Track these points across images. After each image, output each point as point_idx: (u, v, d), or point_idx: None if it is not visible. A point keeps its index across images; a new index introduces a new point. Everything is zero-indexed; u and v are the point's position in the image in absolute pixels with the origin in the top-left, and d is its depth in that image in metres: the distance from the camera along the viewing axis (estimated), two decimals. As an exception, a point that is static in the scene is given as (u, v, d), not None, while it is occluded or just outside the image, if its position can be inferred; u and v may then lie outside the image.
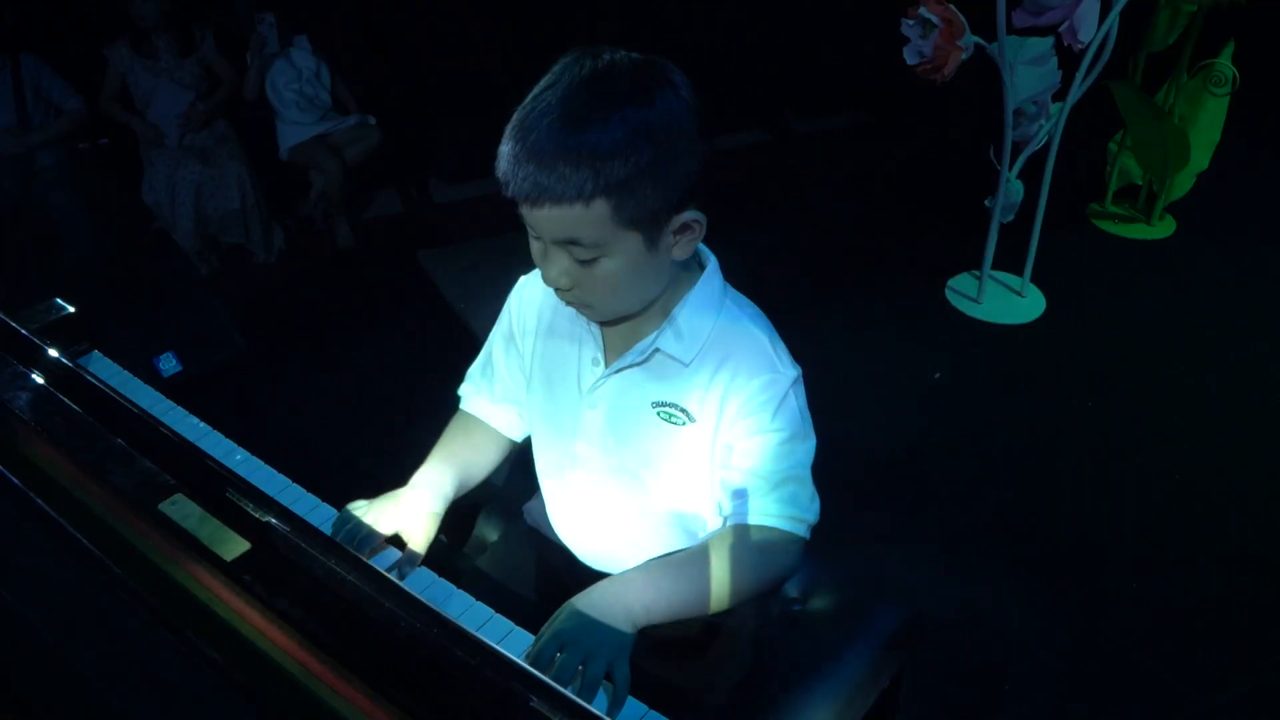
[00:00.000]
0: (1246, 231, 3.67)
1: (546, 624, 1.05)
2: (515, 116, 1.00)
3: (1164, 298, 3.29)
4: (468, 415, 1.37)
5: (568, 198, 0.97)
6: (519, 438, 1.38)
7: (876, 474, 2.45)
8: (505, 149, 1.00)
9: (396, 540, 1.22)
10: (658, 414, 1.16)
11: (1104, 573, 2.23)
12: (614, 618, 1.04)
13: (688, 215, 1.05)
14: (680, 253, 1.09)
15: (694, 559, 1.12)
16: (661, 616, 1.09)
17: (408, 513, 1.23)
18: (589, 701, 0.96)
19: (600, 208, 0.98)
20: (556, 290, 1.08)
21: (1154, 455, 2.58)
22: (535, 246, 1.07)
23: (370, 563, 0.94)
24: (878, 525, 2.29)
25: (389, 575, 0.92)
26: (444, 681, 0.85)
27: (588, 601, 1.06)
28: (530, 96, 1.00)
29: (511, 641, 1.06)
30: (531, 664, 0.98)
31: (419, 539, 1.22)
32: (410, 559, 1.20)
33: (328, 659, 0.84)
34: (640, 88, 0.99)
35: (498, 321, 1.32)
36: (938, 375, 2.88)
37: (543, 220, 1.00)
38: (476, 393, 1.36)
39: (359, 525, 1.19)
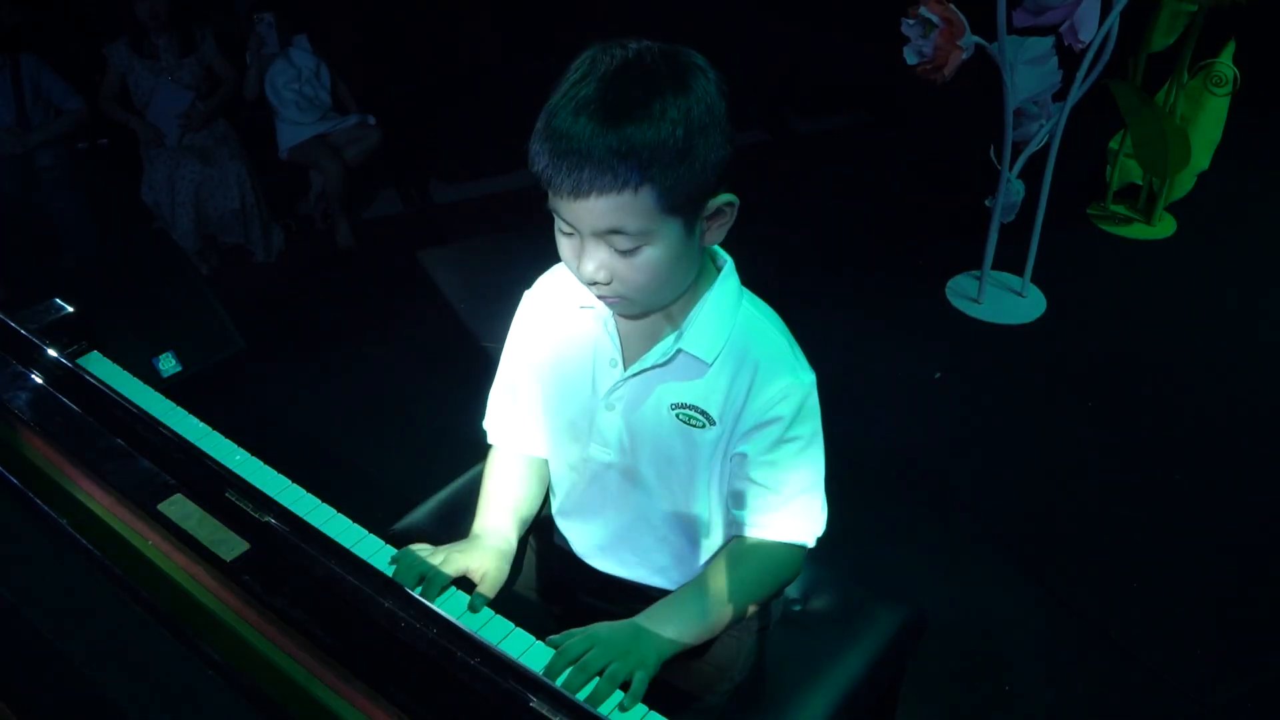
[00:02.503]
0: (1246, 231, 3.67)
1: (580, 629, 1.05)
2: (546, 113, 0.99)
3: (1164, 298, 3.29)
4: (503, 452, 1.34)
5: (615, 188, 0.96)
6: None
7: (876, 474, 2.44)
8: (542, 146, 0.98)
9: (462, 583, 1.17)
10: (677, 416, 1.15)
11: (1104, 573, 2.23)
12: (647, 640, 1.05)
13: (722, 199, 1.05)
14: (713, 238, 1.09)
15: (711, 587, 1.13)
16: (684, 646, 1.10)
17: (477, 554, 1.20)
18: (602, 698, 0.97)
19: (647, 195, 0.97)
20: (592, 285, 1.07)
21: (1154, 455, 2.57)
22: (568, 244, 1.06)
23: (363, 556, 0.94)
24: (878, 525, 2.29)
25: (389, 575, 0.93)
26: (444, 681, 0.85)
27: (622, 623, 1.07)
28: (560, 92, 0.99)
29: (511, 642, 1.06)
30: (556, 656, 1.00)
31: (490, 580, 1.18)
32: (478, 600, 1.14)
33: (327, 659, 0.84)
34: (675, 75, 0.99)
35: (508, 341, 1.30)
36: (938, 375, 2.88)
37: (586, 212, 0.99)
38: (504, 422, 1.33)
39: (422, 564, 1.15)
